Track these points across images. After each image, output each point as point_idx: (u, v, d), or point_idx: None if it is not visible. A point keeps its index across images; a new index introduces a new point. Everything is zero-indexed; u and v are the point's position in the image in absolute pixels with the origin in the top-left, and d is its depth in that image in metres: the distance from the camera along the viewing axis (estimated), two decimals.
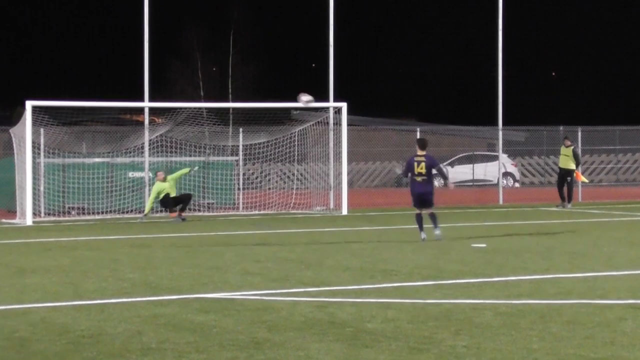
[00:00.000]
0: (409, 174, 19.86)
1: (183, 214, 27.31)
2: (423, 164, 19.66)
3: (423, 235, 19.50)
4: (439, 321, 10.57)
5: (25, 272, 15.21)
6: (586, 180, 31.54)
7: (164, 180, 27.16)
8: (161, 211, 28.10)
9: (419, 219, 19.83)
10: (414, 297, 12.26)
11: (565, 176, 31.39)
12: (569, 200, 31.39)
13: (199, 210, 29.72)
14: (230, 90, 64.85)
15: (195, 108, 31.97)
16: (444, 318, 10.75)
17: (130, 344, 9.51)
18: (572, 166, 31.33)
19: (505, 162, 49.09)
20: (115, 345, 9.46)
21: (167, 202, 27.34)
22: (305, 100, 18.89)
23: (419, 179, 19.75)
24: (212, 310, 11.41)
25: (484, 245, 18.72)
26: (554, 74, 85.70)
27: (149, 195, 28.12)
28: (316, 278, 14.28)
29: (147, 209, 27.45)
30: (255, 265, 15.95)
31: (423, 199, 19.84)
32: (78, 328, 10.33)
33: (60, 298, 12.52)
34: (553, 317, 10.74)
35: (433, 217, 19.77)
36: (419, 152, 19.78)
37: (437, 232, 19.51)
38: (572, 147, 31.56)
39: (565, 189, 31.37)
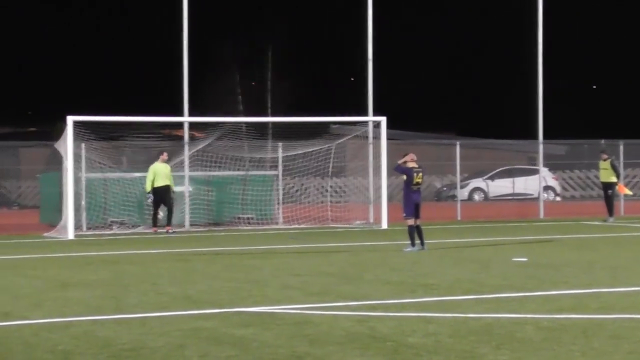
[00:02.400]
0: (407, 184, 20.48)
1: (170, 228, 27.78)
2: (421, 174, 20.69)
3: (415, 248, 20.21)
4: (480, 335, 10.52)
5: (67, 286, 15.32)
6: (630, 193, 31.23)
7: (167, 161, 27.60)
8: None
9: (413, 231, 20.42)
10: (455, 312, 12.21)
11: (607, 189, 31.19)
12: (611, 214, 31.16)
13: (239, 225, 29.79)
14: (269, 105, 65.06)
15: (234, 123, 32.10)
16: (485, 332, 10.70)
17: (171, 358, 9.55)
18: (613, 179, 31.11)
19: (546, 176, 48.88)
20: (156, 359, 9.50)
21: (162, 202, 27.47)
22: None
23: (416, 187, 20.64)
24: (252, 324, 11.42)
25: (525, 259, 18.61)
26: (594, 86, 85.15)
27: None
28: (356, 292, 14.26)
29: (147, 188, 27.69)
30: (294, 279, 15.96)
31: (418, 208, 20.64)
32: (120, 342, 10.38)
33: (102, 312, 12.59)
34: (595, 332, 10.65)
35: (420, 230, 20.74)
36: (414, 164, 20.36)
37: (410, 249, 20.37)
38: (610, 160, 31.31)
39: (606, 201, 31.16)
